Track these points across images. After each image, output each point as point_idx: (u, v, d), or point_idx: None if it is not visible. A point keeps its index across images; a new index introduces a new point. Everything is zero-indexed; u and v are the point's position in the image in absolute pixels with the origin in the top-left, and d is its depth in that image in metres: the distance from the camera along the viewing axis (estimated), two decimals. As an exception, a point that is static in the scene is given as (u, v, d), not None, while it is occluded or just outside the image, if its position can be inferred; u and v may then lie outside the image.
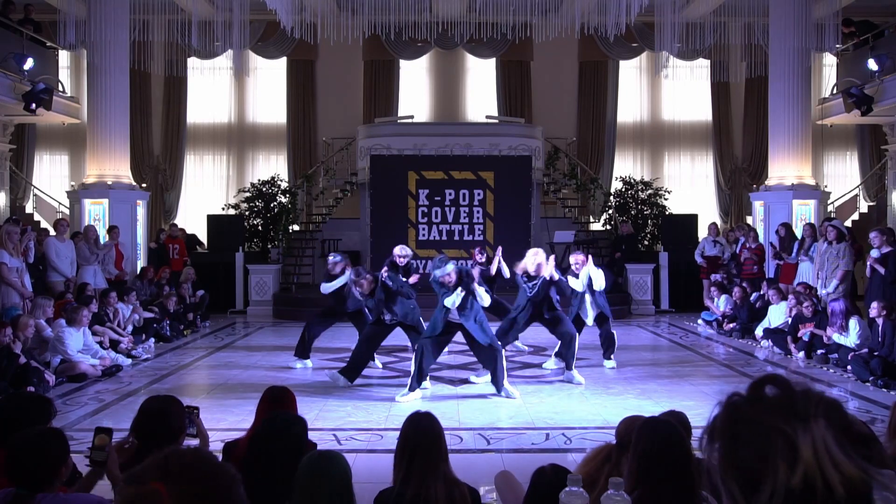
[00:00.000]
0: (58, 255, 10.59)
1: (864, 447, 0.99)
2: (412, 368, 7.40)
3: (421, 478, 2.92)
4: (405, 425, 3.11)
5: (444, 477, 2.96)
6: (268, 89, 18.01)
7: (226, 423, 6.28)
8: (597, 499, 2.63)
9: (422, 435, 3.03)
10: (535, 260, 8.16)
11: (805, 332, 9.57)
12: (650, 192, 16.29)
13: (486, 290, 7.85)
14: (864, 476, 0.96)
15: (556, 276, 8.18)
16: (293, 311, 13.51)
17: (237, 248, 14.65)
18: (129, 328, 10.29)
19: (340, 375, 7.93)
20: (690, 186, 18.03)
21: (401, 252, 9.56)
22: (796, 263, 11.53)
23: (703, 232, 14.54)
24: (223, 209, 16.63)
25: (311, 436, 3.72)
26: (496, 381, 7.43)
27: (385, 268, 8.52)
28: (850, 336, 8.95)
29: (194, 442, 3.76)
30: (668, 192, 16.48)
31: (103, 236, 12.19)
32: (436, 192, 14.09)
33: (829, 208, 15.51)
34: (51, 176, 17.44)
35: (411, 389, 7.34)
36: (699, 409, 6.85)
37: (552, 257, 8.42)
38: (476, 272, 7.88)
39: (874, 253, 9.63)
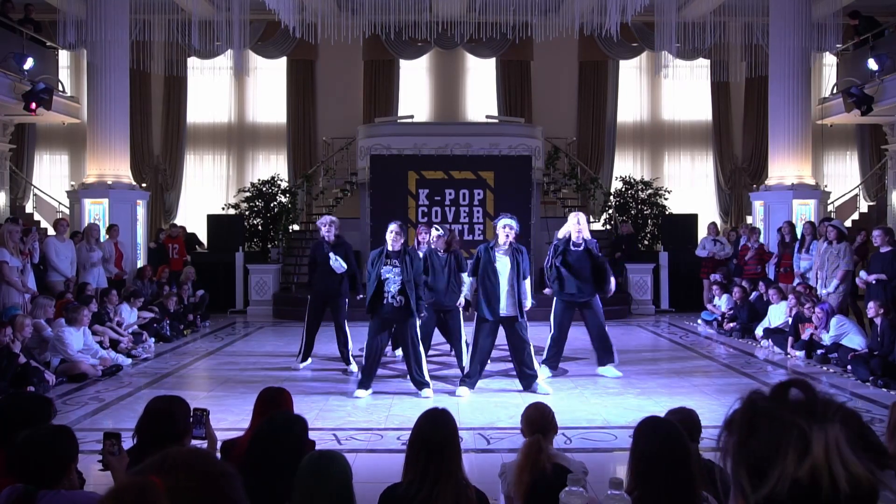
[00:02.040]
0: (57, 254, 10.60)
1: (876, 456, 1.00)
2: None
3: (434, 481, 2.85)
4: (421, 421, 3.02)
5: (455, 480, 2.89)
6: (268, 89, 18.01)
7: (226, 422, 6.27)
8: (527, 480, 3.12)
9: (440, 433, 2.95)
10: (578, 221, 8.23)
11: (807, 332, 9.58)
12: (650, 191, 16.29)
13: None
14: (871, 477, 0.98)
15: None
16: (293, 310, 13.49)
17: (237, 248, 14.65)
18: (129, 331, 10.27)
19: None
20: (690, 186, 18.03)
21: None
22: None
23: (703, 232, 14.53)
24: (223, 209, 16.63)
25: (311, 436, 3.72)
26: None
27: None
28: (830, 331, 9.05)
29: (202, 444, 3.75)
30: (668, 192, 16.48)
31: (103, 235, 12.19)
32: (436, 192, 14.06)
33: (829, 208, 15.52)
34: (51, 176, 17.44)
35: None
36: (699, 409, 6.77)
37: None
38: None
39: (863, 274, 9.78)
